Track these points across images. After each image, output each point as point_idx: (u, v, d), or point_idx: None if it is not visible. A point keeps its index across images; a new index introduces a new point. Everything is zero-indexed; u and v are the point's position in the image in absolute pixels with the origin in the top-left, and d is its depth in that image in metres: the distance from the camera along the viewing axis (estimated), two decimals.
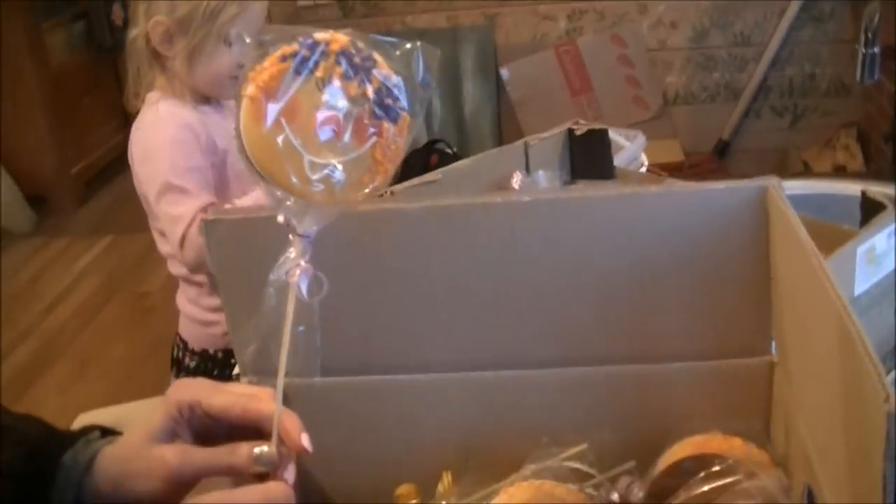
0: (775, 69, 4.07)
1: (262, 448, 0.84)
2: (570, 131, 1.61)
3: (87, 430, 0.95)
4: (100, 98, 5.29)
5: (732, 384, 1.03)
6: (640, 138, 1.98)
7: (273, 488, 0.84)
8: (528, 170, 1.57)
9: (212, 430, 0.89)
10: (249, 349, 0.97)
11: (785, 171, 4.04)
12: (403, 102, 0.82)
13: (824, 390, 0.80)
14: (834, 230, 1.28)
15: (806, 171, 3.90)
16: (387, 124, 0.81)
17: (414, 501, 1.08)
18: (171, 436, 0.88)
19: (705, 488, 0.91)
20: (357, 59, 0.81)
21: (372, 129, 0.81)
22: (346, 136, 0.81)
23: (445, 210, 1.00)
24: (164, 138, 1.87)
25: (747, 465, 0.94)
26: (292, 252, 0.84)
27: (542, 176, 1.54)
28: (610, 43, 4.18)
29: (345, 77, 0.81)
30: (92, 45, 5.37)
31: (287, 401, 1.05)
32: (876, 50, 1.59)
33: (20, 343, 4.14)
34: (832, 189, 1.82)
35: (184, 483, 0.86)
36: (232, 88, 1.91)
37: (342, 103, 0.81)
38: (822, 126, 4.10)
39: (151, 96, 1.95)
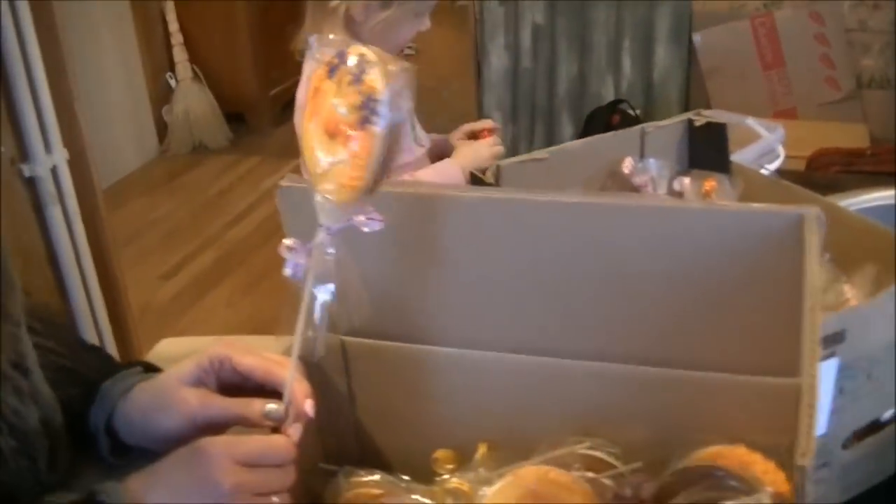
0: None
1: (272, 405, 0.94)
2: (690, 122, 1.62)
3: (131, 365, 1.07)
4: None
5: (763, 400, 1.05)
6: (779, 131, 1.97)
7: (275, 439, 0.94)
8: (641, 156, 1.59)
9: (238, 386, 0.99)
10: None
11: None
12: (378, 115, 0.89)
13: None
14: None
15: None
16: (359, 132, 0.88)
17: (450, 466, 1.15)
18: (198, 382, 0.99)
19: (697, 499, 0.94)
20: (358, 71, 0.88)
21: (352, 135, 0.89)
22: (339, 138, 0.89)
23: (499, 202, 1.05)
24: None
25: (751, 482, 0.96)
26: (316, 238, 0.93)
27: (653, 164, 1.56)
28: (808, 19, 4.06)
29: (349, 85, 0.88)
30: None
31: (348, 360, 1.14)
32: None
33: (202, 252, 4.36)
34: None
35: (201, 425, 0.96)
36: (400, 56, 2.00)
37: (343, 108, 0.88)
38: None
39: None
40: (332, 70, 0.91)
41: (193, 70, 5.31)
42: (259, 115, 5.50)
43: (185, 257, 4.32)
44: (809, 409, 0.70)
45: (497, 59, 4.49)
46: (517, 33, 4.43)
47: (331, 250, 0.95)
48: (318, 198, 0.94)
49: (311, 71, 0.94)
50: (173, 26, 5.21)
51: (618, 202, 1.03)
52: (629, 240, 1.03)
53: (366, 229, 0.94)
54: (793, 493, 0.96)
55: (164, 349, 1.55)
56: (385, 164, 0.92)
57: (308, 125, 0.93)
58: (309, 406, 0.96)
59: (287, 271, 0.96)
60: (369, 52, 0.92)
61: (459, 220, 1.07)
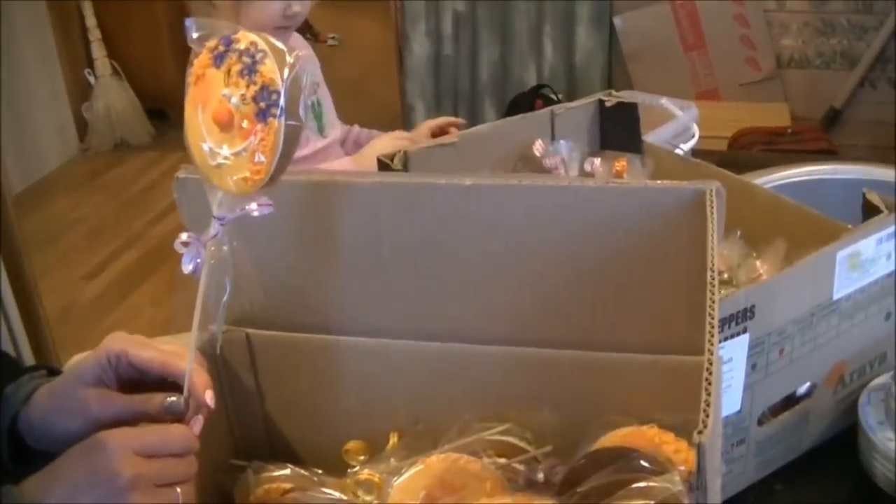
0: None
1: (172, 398, 0.92)
2: (601, 102, 1.61)
3: (35, 368, 1.03)
4: None
5: (671, 379, 1.04)
6: (692, 110, 1.97)
7: (174, 428, 0.91)
8: (553, 138, 1.57)
9: (138, 381, 0.96)
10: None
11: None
12: (277, 107, 0.85)
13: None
14: (836, 229, 1.26)
15: None
16: (259, 125, 0.85)
17: (361, 457, 1.13)
18: (97, 381, 0.95)
19: (607, 481, 0.93)
20: (249, 60, 0.85)
21: (251, 128, 0.86)
22: (234, 131, 0.86)
23: (397, 187, 1.03)
24: None
25: (663, 463, 0.95)
26: (210, 230, 0.90)
27: (564, 145, 1.54)
28: (728, 0, 4.09)
29: (239, 74, 0.85)
30: None
31: (254, 353, 1.12)
32: None
33: (125, 250, 4.30)
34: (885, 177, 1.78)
35: (103, 424, 0.92)
36: (277, 37, 1.95)
37: (235, 99, 0.85)
38: None
39: None
40: (217, 57, 0.88)
41: (113, 66, 5.23)
42: (181, 109, 5.38)
43: (109, 256, 4.25)
44: (708, 385, 0.69)
45: (419, 47, 4.47)
46: (438, 20, 4.41)
47: (226, 243, 0.92)
48: (212, 191, 0.91)
49: (193, 56, 0.91)
50: (90, 21, 5.13)
51: (515, 183, 1.01)
52: (530, 220, 1.01)
53: (256, 214, 0.91)
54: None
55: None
56: (287, 158, 0.89)
57: (193, 115, 0.90)
58: (209, 397, 0.94)
59: (185, 267, 0.93)
60: (260, 40, 0.88)
61: (356, 207, 1.05)
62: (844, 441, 1.29)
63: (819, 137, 3.75)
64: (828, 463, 1.28)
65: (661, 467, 0.94)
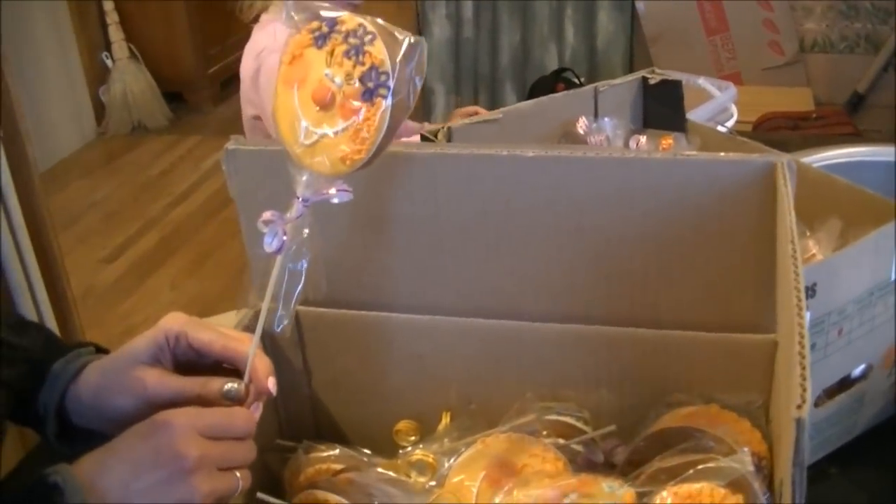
0: None
1: (232, 384, 0.89)
2: (644, 80, 1.58)
3: (82, 345, 1.01)
4: None
5: (734, 358, 1.02)
6: (731, 90, 1.94)
7: (238, 411, 0.89)
8: (596, 115, 1.55)
9: (195, 363, 0.94)
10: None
11: None
12: (386, 88, 0.85)
13: (782, 379, 0.79)
14: (890, 207, 1.24)
15: None
16: (365, 104, 0.84)
17: (412, 438, 1.11)
18: (153, 360, 0.93)
19: (675, 462, 0.90)
20: (356, 41, 0.84)
21: (356, 107, 0.84)
22: (335, 110, 0.84)
23: (454, 158, 1.01)
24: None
25: (728, 443, 0.93)
26: (289, 213, 0.88)
27: (608, 123, 1.52)
28: None
29: (345, 55, 0.84)
30: None
31: (302, 331, 1.09)
32: None
33: (144, 234, 4.28)
34: None
35: (156, 405, 0.90)
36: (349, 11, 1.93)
37: (338, 79, 0.84)
38: None
39: (265, 17, 1.96)
40: (319, 38, 0.86)
41: (130, 49, 5.21)
42: (198, 93, 5.41)
43: (127, 240, 4.23)
44: (802, 360, 0.66)
45: (439, 30, 4.45)
46: (459, 3, 4.38)
47: (307, 225, 0.90)
48: (299, 171, 0.89)
49: (288, 37, 0.89)
50: (108, 5, 5.11)
51: (578, 154, 0.98)
52: (592, 194, 0.98)
53: (336, 201, 0.89)
54: (769, 453, 0.94)
55: None
56: (388, 140, 0.87)
57: (286, 94, 0.88)
58: (272, 384, 0.92)
59: (268, 246, 0.90)
60: (368, 22, 0.87)
61: (412, 179, 1.03)
62: None
63: (844, 122, 3.72)
64: (882, 446, 1.26)
65: (728, 448, 0.92)
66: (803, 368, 0.66)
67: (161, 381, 0.92)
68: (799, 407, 0.62)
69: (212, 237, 4.17)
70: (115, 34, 5.17)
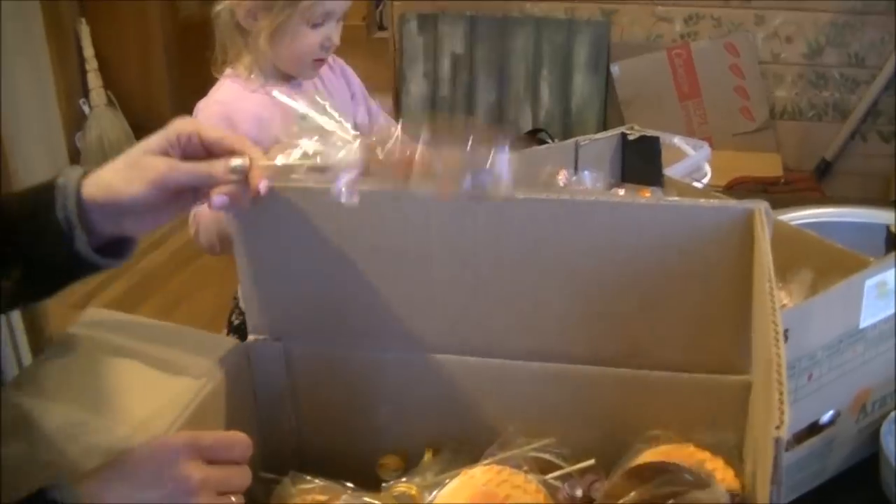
0: (887, 94, 3.98)
1: (237, 160, 0.98)
2: (624, 135, 1.63)
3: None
4: None
5: (710, 398, 1.06)
6: (706, 149, 1.99)
7: (235, 434, 0.92)
8: (576, 169, 1.59)
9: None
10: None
11: (886, 198, 3.97)
12: None
13: (757, 416, 0.83)
14: (858, 261, 1.29)
15: None
16: None
17: (397, 472, 1.13)
18: (163, 153, 0.99)
19: (653, 495, 0.94)
20: None
21: None
22: None
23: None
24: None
25: (704, 478, 0.96)
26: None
27: (588, 176, 1.56)
28: (724, 50, 4.13)
29: None
30: None
31: (290, 363, 1.12)
32: None
33: (116, 279, 4.27)
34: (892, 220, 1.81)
35: (169, 190, 0.98)
36: (313, 70, 1.94)
37: None
38: None
39: (226, 74, 1.96)
40: None
41: (108, 96, 5.23)
42: None
43: (97, 286, 4.22)
44: (780, 385, 0.70)
45: (416, 87, 4.50)
46: (437, 62, 4.44)
47: None
48: None
49: None
50: (88, 51, 5.14)
51: (566, 197, 1.03)
52: (577, 237, 1.03)
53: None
54: (744, 489, 0.97)
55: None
56: None
57: None
58: (263, 185, 0.99)
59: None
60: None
61: (403, 217, 1.06)
62: (865, 469, 1.30)
63: (812, 187, 3.79)
64: (850, 491, 1.30)
65: (703, 482, 0.96)
66: (781, 393, 0.69)
67: (173, 165, 0.98)
68: (777, 427, 0.66)
69: (182, 286, 4.17)
70: (94, 81, 5.19)
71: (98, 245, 1.02)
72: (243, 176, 0.98)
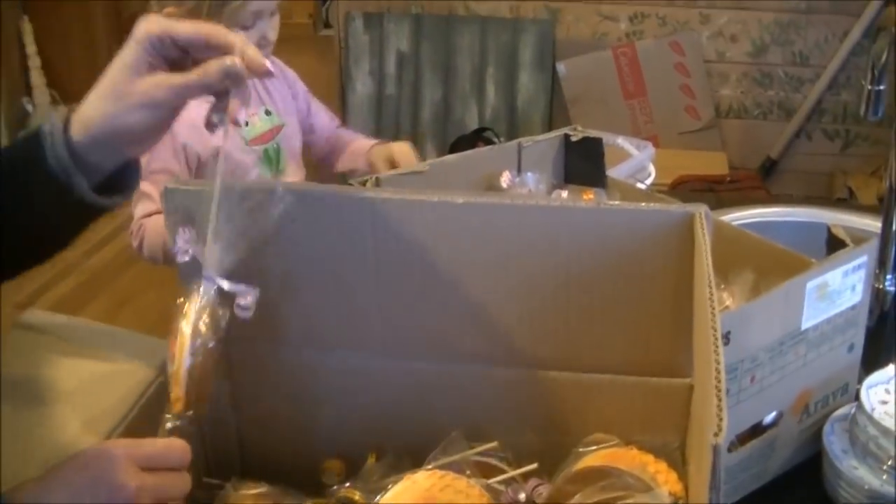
0: (831, 92, 4.04)
1: (227, 60, 0.92)
2: (567, 137, 1.63)
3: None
4: None
5: (652, 401, 1.06)
6: (650, 149, 2.00)
7: (175, 441, 0.91)
8: (519, 170, 1.59)
9: (181, 63, 0.95)
10: None
11: (830, 196, 4.02)
12: None
13: (698, 419, 0.83)
14: (800, 261, 1.29)
15: (851, 198, 3.88)
16: None
17: (339, 476, 1.13)
18: (150, 69, 0.93)
19: (596, 499, 0.94)
20: None
21: None
22: None
23: (385, 202, 1.04)
24: None
25: (646, 482, 0.96)
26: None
27: (530, 177, 1.56)
28: (669, 49, 4.16)
29: None
30: None
31: (231, 367, 1.11)
32: (882, 87, 1.59)
33: (61, 279, 4.22)
34: (835, 219, 1.83)
35: (168, 108, 0.93)
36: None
37: None
38: (872, 154, 4.05)
39: None
40: None
41: (52, 95, 5.17)
42: None
43: (42, 286, 4.17)
44: (718, 392, 0.70)
45: (362, 86, 4.49)
46: (382, 60, 4.44)
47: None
48: None
49: None
50: (31, 49, 5.07)
51: (507, 201, 1.03)
52: (519, 239, 1.02)
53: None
54: (687, 492, 0.98)
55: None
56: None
57: None
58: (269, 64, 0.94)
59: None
60: None
61: (344, 220, 1.06)
62: (808, 469, 1.31)
63: (757, 186, 3.83)
64: (793, 490, 1.31)
65: (645, 486, 0.96)
66: (720, 400, 0.69)
67: (165, 83, 0.93)
68: (716, 434, 0.66)
69: (128, 285, 4.13)
70: (37, 79, 5.12)
71: (99, 182, 0.99)
72: (240, 75, 0.92)
